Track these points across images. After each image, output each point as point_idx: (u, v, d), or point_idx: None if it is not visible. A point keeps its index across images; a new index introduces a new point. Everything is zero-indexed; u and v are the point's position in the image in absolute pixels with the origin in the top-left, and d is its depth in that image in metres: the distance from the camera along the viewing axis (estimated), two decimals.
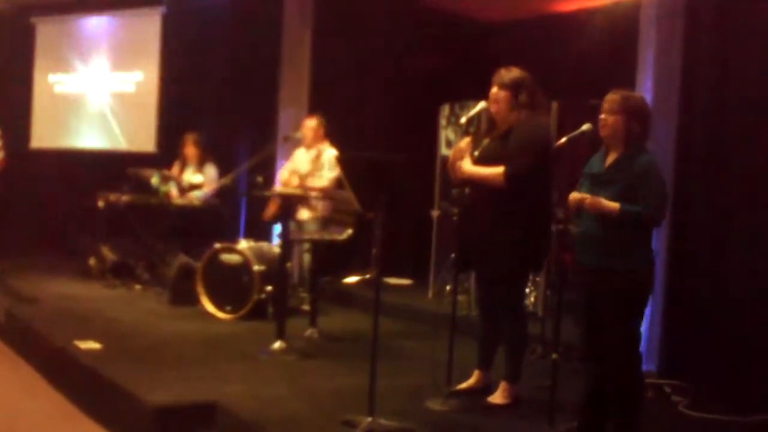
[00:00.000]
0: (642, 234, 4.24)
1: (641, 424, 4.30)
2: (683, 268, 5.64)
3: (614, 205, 4.09)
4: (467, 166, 4.87)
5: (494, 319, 5.10)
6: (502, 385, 4.94)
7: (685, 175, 5.64)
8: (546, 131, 4.88)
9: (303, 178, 7.44)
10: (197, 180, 8.56)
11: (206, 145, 8.78)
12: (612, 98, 4.25)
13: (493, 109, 4.88)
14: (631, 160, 4.17)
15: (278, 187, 7.50)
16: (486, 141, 4.94)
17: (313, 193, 7.23)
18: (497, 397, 4.92)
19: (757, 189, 5.32)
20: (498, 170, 4.71)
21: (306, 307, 7.19)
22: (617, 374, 4.24)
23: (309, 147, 7.55)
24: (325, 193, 7.23)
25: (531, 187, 4.77)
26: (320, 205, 7.29)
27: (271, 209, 7.44)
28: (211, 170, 8.61)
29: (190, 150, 8.66)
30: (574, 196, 4.26)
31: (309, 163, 7.48)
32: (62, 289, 8.28)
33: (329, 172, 7.27)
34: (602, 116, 4.25)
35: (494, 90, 4.86)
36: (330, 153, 7.37)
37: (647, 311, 5.32)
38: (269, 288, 7.08)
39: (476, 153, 4.91)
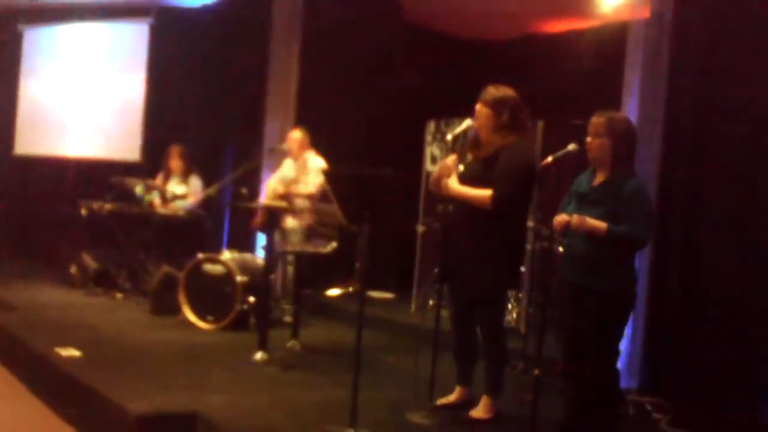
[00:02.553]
0: (625, 255, 4.29)
1: None
2: (665, 288, 5.68)
3: (601, 225, 4.13)
4: (454, 184, 4.88)
5: (469, 335, 5.12)
6: (484, 400, 4.96)
7: (668, 195, 5.69)
8: (531, 157, 4.95)
9: (288, 184, 7.46)
10: (181, 191, 8.56)
11: (191, 156, 8.80)
12: (597, 121, 4.30)
13: (476, 125, 4.92)
14: (620, 183, 4.22)
15: (263, 199, 7.50)
16: (469, 158, 4.97)
17: (299, 200, 7.24)
18: (479, 412, 4.94)
19: (740, 210, 5.38)
20: (485, 193, 4.74)
21: (288, 319, 7.19)
22: (596, 391, 4.28)
23: (296, 158, 7.58)
24: (311, 207, 7.25)
25: (513, 208, 4.85)
26: (306, 214, 7.31)
27: (259, 219, 7.44)
28: (195, 182, 8.62)
29: (176, 162, 8.66)
30: (560, 218, 4.30)
31: (295, 171, 7.51)
32: (43, 297, 8.23)
33: (315, 178, 7.29)
34: (588, 139, 4.30)
35: (477, 106, 4.91)
36: (316, 161, 7.41)
37: (629, 329, 5.38)
38: (252, 299, 7.08)
39: (461, 170, 4.94)
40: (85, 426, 5.12)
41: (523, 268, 7.00)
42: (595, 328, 4.23)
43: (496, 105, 4.85)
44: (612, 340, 4.31)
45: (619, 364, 4.47)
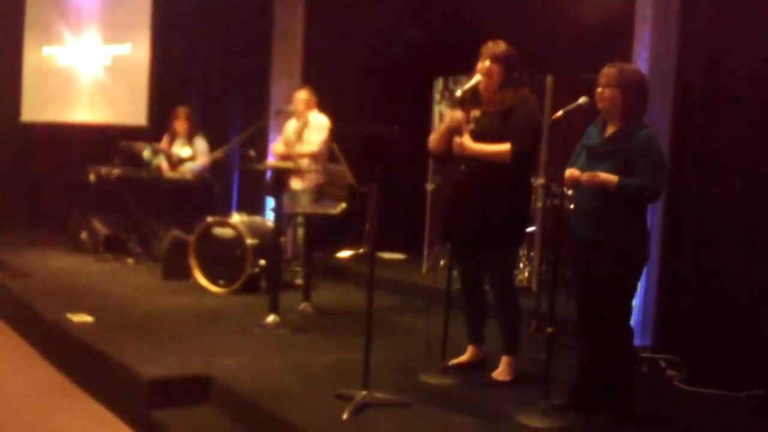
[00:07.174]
0: (637, 209, 4.23)
1: (636, 398, 4.31)
2: (679, 244, 5.62)
3: (612, 178, 4.08)
4: (469, 142, 4.76)
5: (479, 294, 5.11)
6: (505, 361, 4.91)
7: (680, 149, 5.61)
8: (540, 110, 4.91)
9: (290, 145, 7.40)
10: (186, 153, 8.51)
11: (197, 118, 8.75)
12: (608, 72, 4.23)
13: (485, 82, 4.80)
14: (630, 135, 4.15)
15: (271, 161, 7.47)
16: (476, 114, 4.86)
17: (304, 161, 7.19)
18: (502, 374, 4.89)
19: (752, 164, 5.30)
20: (504, 148, 4.67)
21: (299, 281, 7.18)
22: (608, 349, 4.24)
23: (300, 118, 7.52)
24: (319, 168, 7.21)
25: (525, 164, 4.85)
26: (312, 174, 7.27)
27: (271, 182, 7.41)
28: (201, 143, 8.57)
29: (181, 124, 8.60)
30: (571, 173, 4.24)
31: (297, 131, 7.46)
32: (54, 263, 8.25)
33: (317, 135, 7.23)
34: (599, 89, 4.23)
35: (486, 63, 4.78)
36: (317, 118, 7.35)
37: (642, 286, 5.34)
38: (262, 262, 7.07)
39: (472, 126, 4.84)
40: (98, 391, 5.14)
41: (534, 227, 6.98)
42: (604, 285, 4.19)
43: (508, 62, 4.77)
44: (621, 296, 4.26)
45: (633, 322, 4.43)
